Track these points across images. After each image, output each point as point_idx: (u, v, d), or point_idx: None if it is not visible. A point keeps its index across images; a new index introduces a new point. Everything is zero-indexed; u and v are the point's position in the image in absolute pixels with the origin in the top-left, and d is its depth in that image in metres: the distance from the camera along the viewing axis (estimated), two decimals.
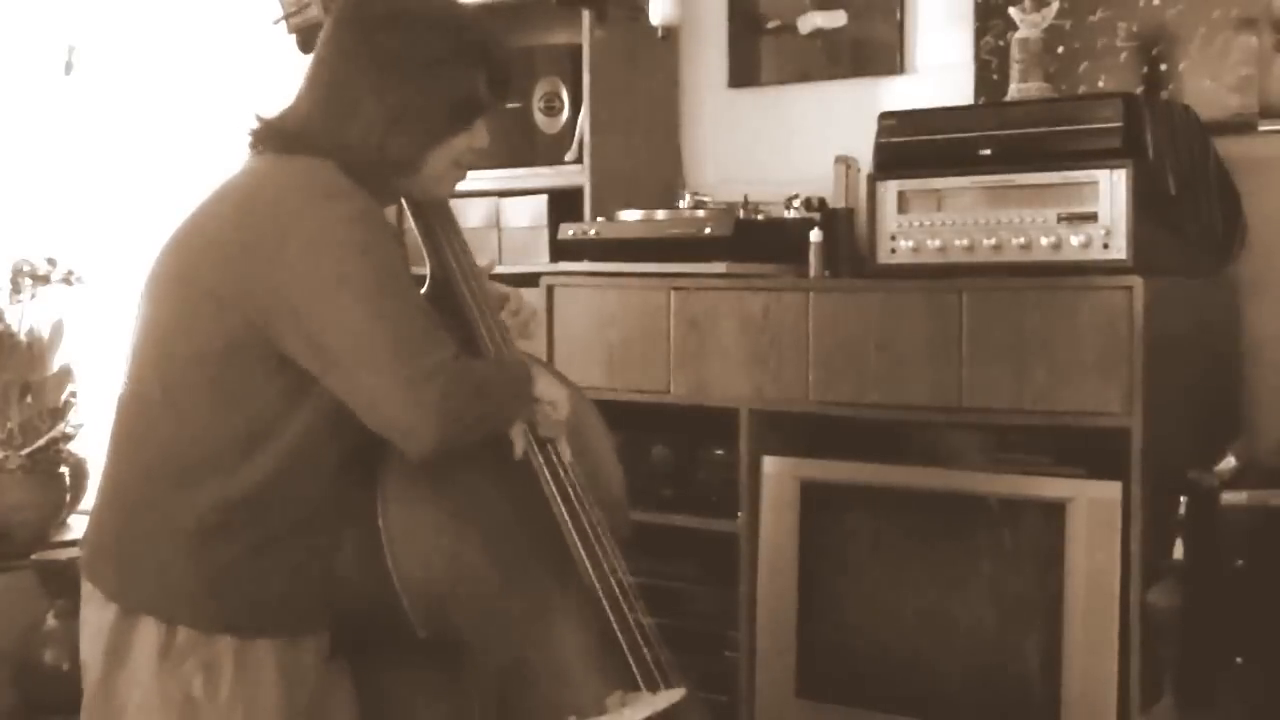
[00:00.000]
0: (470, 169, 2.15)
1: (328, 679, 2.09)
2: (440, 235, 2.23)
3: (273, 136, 2.05)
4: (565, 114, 3.68)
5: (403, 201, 2.24)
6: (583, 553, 2.18)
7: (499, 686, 2.12)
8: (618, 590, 2.20)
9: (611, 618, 2.19)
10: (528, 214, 3.71)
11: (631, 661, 2.19)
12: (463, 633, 2.08)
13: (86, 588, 2.03)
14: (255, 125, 2.07)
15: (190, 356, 1.95)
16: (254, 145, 2.07)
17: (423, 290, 2.22)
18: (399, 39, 2.03)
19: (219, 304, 1.92)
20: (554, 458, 2.19)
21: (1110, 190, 2.72)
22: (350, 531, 2.05)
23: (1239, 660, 2.53)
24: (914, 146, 2.99)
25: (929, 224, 2.92)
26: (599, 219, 3.46)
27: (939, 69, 3.44)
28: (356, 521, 2.05)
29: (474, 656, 2.10)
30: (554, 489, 2.18)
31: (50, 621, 3.37)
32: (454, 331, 2.15)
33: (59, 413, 3.72)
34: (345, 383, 1.91)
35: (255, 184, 2.02)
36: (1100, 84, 3.21)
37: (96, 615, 2.00)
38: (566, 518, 2.18)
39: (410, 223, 2.27)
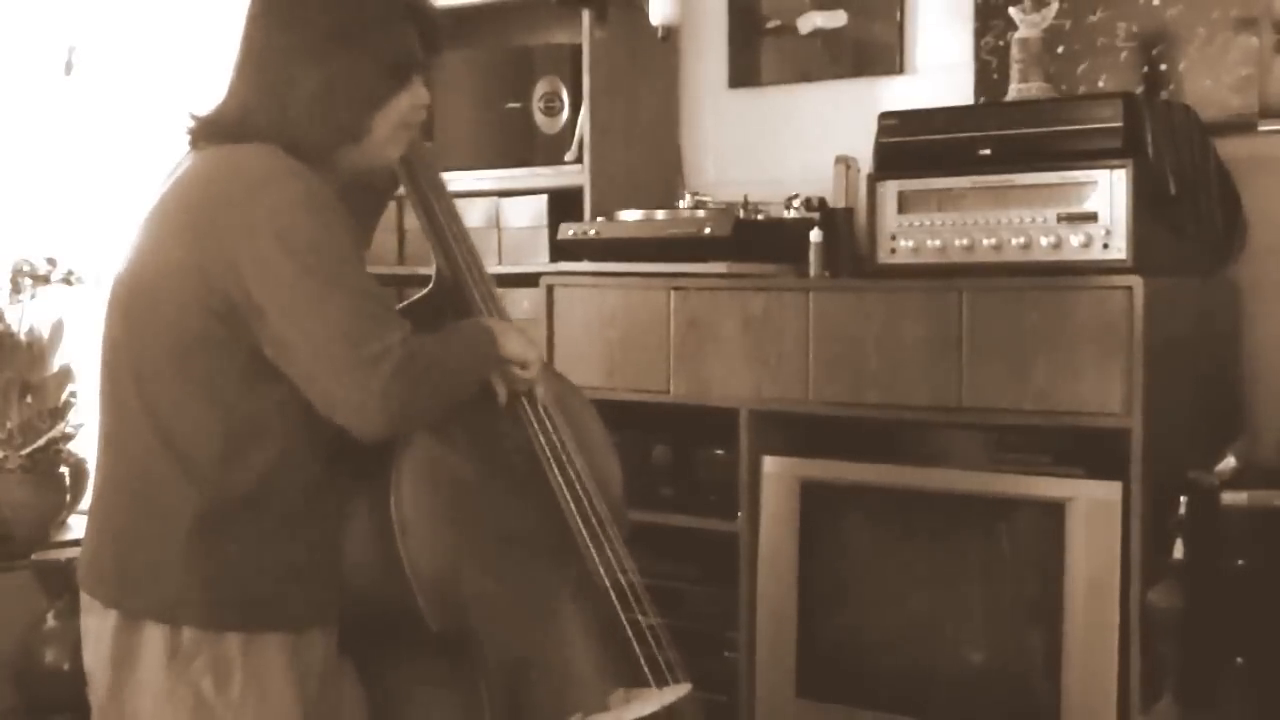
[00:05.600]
0: (415, 127, 2.12)
1: (337, 673, 2.09)
2: (443, 223, 2.25)
3: (213, 129, 2.03)
4: (565, 114, 3.68)
5: (404, 190, 2.26)
6: (590, 547, 2.19)
7: (508, 682, 2.12)
8: (625, 585, 2.20)
9: (619, 612, 2.19)
10: (528, 214, 3.71)
11: (639, 657, 2.20)
12: (474, 627, 2.08)
13: (84, 598, 2.03)
14: (191, 123, 2.05)
15: (161, 356, 1.95)
16: (194, 142, 2.06)
17: (430, 286, 2.24)
18: (324, 9, 2.01)
19: (183, 300, 1.92)
20: (544, 416, 2.19)
21: (1110, 190, 2.72)
22: (361, 523, 2.05)
23: (1239, 660, 2.53)
24: (914, 146, 2.99)
25: (929, 224, 2.92)
26: (599, 219, 3.46)
27: (939, 69, 3.44)
28: (357, 512, 2.05)
29: (484, 652, 2.10)
30: (550, 457, 2.18)
31: (50, 621, 3.36)
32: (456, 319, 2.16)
33: (59, 413, 3.71)
34: (296, 368, 1.91)
35: (204, 176, 2.00)
36: (1100, 84, 3.21)
37: (98, 623, 2.00)
38: (574, 511, 2.18)
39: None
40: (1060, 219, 2.77)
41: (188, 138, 2.07)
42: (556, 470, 2.19)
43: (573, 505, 2.19)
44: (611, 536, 2.21)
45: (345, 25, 2.00)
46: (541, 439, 2.19)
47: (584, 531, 2.19)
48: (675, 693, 2.21)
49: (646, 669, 2.21)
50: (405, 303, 2.28)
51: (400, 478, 2.04)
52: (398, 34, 2.04)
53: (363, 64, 2.01)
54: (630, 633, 2.20)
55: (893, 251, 2.96)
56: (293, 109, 1.98)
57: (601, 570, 2.19)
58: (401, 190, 2.30)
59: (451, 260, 2.25)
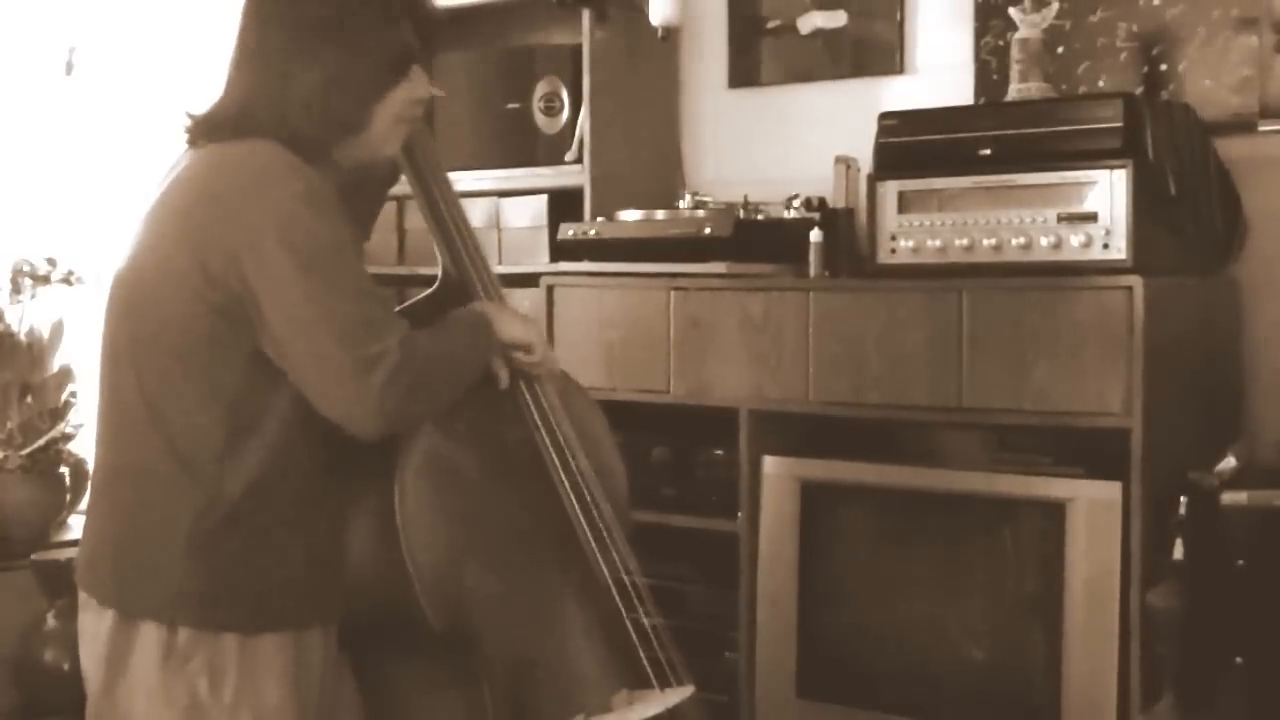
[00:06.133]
0: (415, 120, 2.13)
1: (336, 674, 2.08)
2: (448, 220, 2.24)
3: (211, 127, 2.03)
4: (565, 114, 3.68)
5: (410, 187, 2.25)
6: (594, 547, 2.18)
7: (510, 683, 2.12)
8: (628, 585, 2.20)
9: (622, 614, 2.19)
10: (528, 214, 3.71)
11: (642, 658, 2.20)
12: (477, 626, 2.08)
13: (82, 595, 2.03)
14: (188, 122, 2.05)
15: (162, 355, 1.95)
16: (192, 140, 2.05)
17: (435, 284, 2.25)
18: (320, 3, 2.00)
19: (185, 298, 1.92)
20: (542, 401, 2.19)
21: (1110, 190, 2.72)
22: (364, 522, 2.05)
23: (1239, 660, 2.53)
24: (914, 146, 2.99)
25: (929, 224, 2.92)
26: (599, 219, 3.46)
27: (939, 69, 3.44)
28: (360, 510, 2.05)
29: (486, 651, 2.10)
30: (553, 453, 2.18)
31: (50, 621, 3.36)
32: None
33: (59, 413, 3.71)
34: (292, 366, 1.91)
35: (203, 173, 1.99)
36: (1100, 84, 3.21)
37: (94, 622, 2.00)
38: (578, 510, 2.18)
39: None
40: (1060, 219, 2.77)
41: (185, 136, 2.06)
42: (560, 467, 2.19)
43: (576, 504, 2.19)
44: (615, 536, 2.21)
45: (341, 19, 2.00)
46: (544, 431, 2.19)
47: (587, 531, 2.19)
48: (678, 694, 2.21)
49: (650, 670, 2.20)
50: (411, 301, 2.28)
51: (404, 475, 2.04)
52: (392, 26, 2.03)
53: (360, 57, 2.00)
54: (634, 633, 2.20)
55: (893, 251, 2.96)
56: (291, 104, 1.97)
57: (605, 570, 2.19)
58: (403, 185, 2.30)
59: (456, 257, 2.25)
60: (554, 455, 2.19)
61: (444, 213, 2.26)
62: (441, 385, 2.03)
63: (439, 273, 2.28)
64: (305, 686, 2.01)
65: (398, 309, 2.28)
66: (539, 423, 2.19)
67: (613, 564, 2.20)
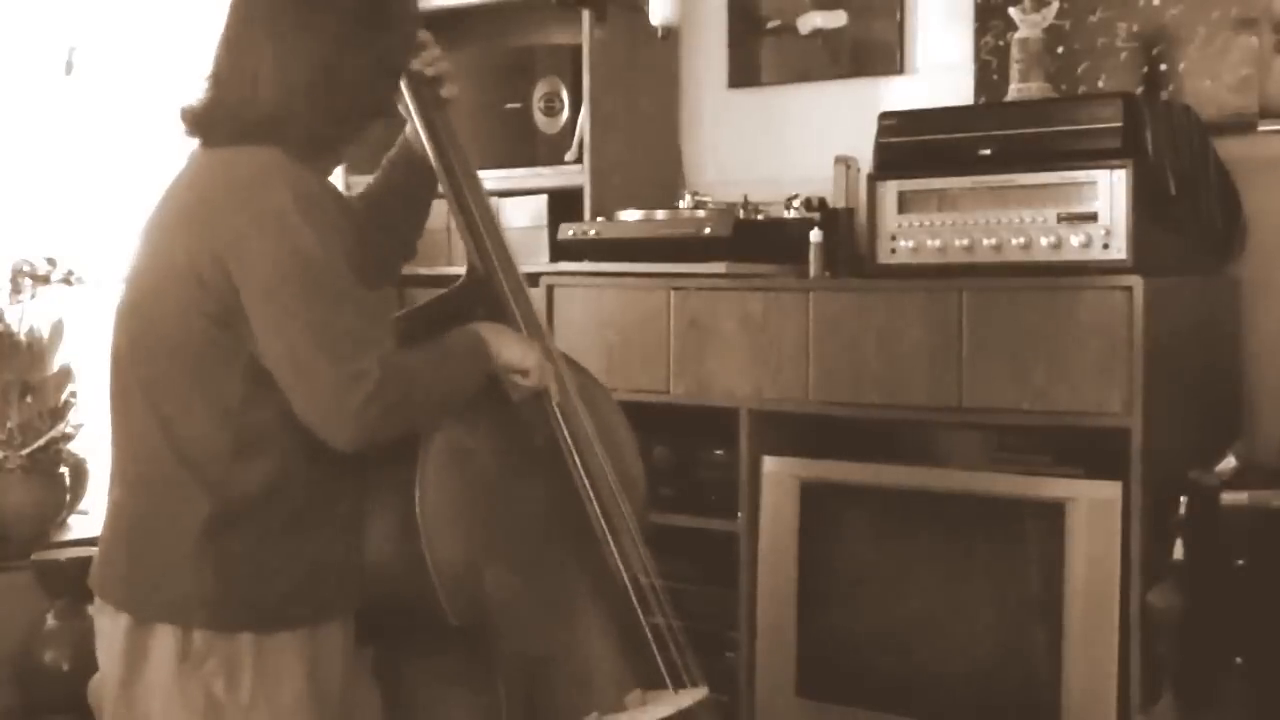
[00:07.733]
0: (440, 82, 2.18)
1: (352, 669, 2.08)
2: (476, 215, 2.24)
3: (224, 127, 2.01)
4: (565, 114, 3.68)
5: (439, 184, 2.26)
6: (612, 545, 2.18)
7: (525, 679, 2.12)
8: (645, 585, 2.20)
9: (638, 612, 2.19)
10: (528, 214, 3.71)
11: (657, 658, 2.19)
12: (494, 622, 2.08)
13: (97, 600, 2.04)
14: (198, 115, 2.02)
15: (164, 361, 1.95)
16: (206, 141, 2.03)
17: (462, 278, 2.25)
18: None
19: (184, 306, 1.92)
20: (558, 415, 2.18)
21: (1110, 190, 2.72)
22: (383, 519, 2.05)
23: (1239, 660, 2.53)
24: (914, 146, 2.99)
25: (929, 224, 2.92)
26: (599, 219, 3.47)
27: (939, 69, 3.44)
28: (380, 505, 2.05)
29: (502, 647, 2.10)
30: (574, 452, 2.18)
31: (50, 621, 3.36)
32: (492, 317, 2.16)
33: (59, 413, 3.71)
34: (277, 374, 1.91)
35: (201, 180, 1.99)
36: (1100, 84, 3.21)
37: (109, 626, 2.00)
38: (597, 509, 2.18)
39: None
40: (1060, 219, 2.77)
41: (200, 137, 2.04)
42: (579, 466, 2.18)
43: (595, 503, 2.18)
44: (634, 535, 2.21)
45: (367, 7, 2.01)
46: (564, 429, 2.19)
47: (606, 529, 2.18)
48: (692, 695, 2.20)
49: (664, 671, 2.20)
50: (438, 295, 2.27)
51: (425, 471, 2.04)
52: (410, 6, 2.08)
53: (397, 34, 2.05)
54: (649, 633, 2.20)
55: (893, 251, 2.96)
56: (340, 92, 1.98)
57: (622, 569, 2.19)
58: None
59: (483, 253, 2.24)
60: (574, 454, 2.18)
61: (473, 212, 2.25)
62: (425, 406, 2.03)
63: (465, 267, 2.28)
64: (322, 684, 2.00)
65: (425, 302, 2.28)
66: (559, 421, 2.19)
67: (630, 564, 2.19)
